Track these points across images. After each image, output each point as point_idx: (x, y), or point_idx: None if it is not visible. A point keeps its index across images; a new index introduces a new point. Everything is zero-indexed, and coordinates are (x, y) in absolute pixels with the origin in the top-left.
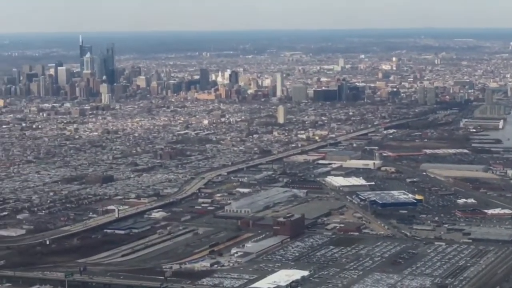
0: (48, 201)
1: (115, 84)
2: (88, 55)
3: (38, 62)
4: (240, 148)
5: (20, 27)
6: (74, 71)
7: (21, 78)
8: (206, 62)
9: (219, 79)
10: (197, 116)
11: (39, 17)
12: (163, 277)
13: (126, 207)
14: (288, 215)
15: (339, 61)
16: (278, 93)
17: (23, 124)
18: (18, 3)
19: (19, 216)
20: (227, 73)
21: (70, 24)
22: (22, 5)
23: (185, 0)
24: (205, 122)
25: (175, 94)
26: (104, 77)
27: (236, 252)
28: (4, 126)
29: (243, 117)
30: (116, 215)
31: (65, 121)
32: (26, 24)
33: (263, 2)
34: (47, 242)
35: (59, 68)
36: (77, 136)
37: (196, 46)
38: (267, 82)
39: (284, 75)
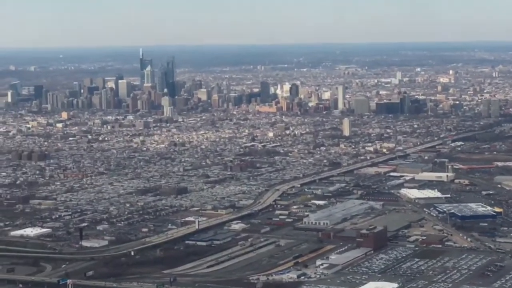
0: (126, 212)
1: (176, 97)
2: (148, 68)
3: (95, 76)
4: (309, 160)
5: (72, 42)
6: (133, 84)
7: (82, 91)
8: (262, 75)
9: (279, 91)
10: (261, 129)
11: (91, 32)
12: None
13: (205, 218)
14: (370, 227)
15: (396, 74)
16: (340, 105)
17: (89, 137)
18: (70, 19)
19: (99, 227)
20: (286, 86)
21: (123, 38)
22: (73, 20)
23: (237, 14)
24: (270, 134)
25: (236, 106)
26: (165, 90)
27: (322, 264)
28: (70, 139)
29: (307, 130)
30: (197, 227)
31: (130, 134)
32: (78, 39)
33: (314, 16)
34: (132, 253)
35: (119, 81)
36: (144, 148)
37: (250, 60)
38: (326, 95)
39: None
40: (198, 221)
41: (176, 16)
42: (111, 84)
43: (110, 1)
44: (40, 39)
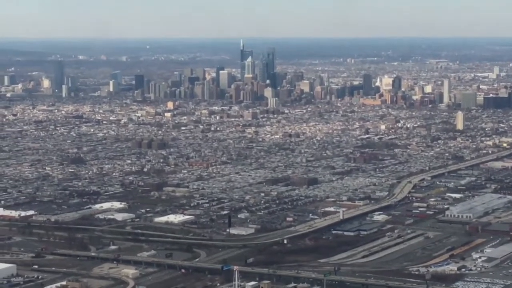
0: (262, 202)
1: (278, 88)
2: (249, 59)
3: (186, 66)
4: (430, 153)
5: (155, 32)
6: (234, 75)
7: (183, 81)
8: (354, 68)
9: (378, 84)
10: (371, 121)
11: (174, 23)
12: (423, 280)
13: (344, 209)
14: None
15: (493, 69)
16: (445, 99)
17: (201, 126)
18: (154, 9)
19: (240, 215)
20: (386, 79)
21: (207, 29)
22: (157, 11)
23: (322, 8)
24: (382, 127)
25: (340, 99)
26: (267, 81)
27: (479, 257)
28: (183, 128)
29: (418, 123)
30: (341, 217)
31: (240, 124)
32: (162, 29)
33: (396, 10)
34: (285, 242)
35: (220, 72)
36: (260, 139)
37: (338, 53)
38: (428, 88)
39: (439, 82)
40: (343, 211)
41: (251, 9)
42: (210, 75)
43: None
44: (126, 29)
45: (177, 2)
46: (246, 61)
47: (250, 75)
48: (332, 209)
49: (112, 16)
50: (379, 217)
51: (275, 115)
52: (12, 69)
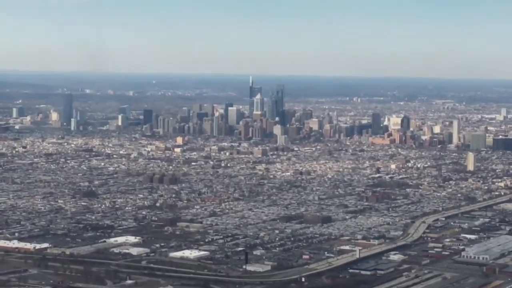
0: (277, 239)
1: (288, 125)
2: (258, 96)
3: (192, 102)
4: (443, 194)
5: (162, 68)
6: (242, 111)
7: (191, 116)
8: (361, 107)
9: (386, 123)
10: (381, 160)
11: (181, 59)
12: None
13: (359, 248)
14: None
15: (500, 111)
16: (455, 140)
17: (211, 162)
18: (160, 45)
19: (256, 252)
20: (394, 118)
21: (212, 66)
22: (164, 47)
23: (326, 47)
24: (393, 166)
25: (348, 137)
26: (277, 119)
27: None
28: (193, 163)
29: (428, 163)
30: (357, 256)
31: (251, 161)
32: (168, 65)
33: (403, 50)
34: (302, 279)
35: (229, 108)
36: (271, 176)
37: (344, 91)
38: (436, 128)
39: (447, 123)
40: (359, 250)
41: (260, 46)
42: (218, 111)
43: (202, 30)
44: (132, 64)
45: (183, 38)
46: (255, 98)
47: (259, 112)
48: (347, 247)
49: (117, 50)
50: (395, 256)
51: (285, 153)
52: (20, 101)
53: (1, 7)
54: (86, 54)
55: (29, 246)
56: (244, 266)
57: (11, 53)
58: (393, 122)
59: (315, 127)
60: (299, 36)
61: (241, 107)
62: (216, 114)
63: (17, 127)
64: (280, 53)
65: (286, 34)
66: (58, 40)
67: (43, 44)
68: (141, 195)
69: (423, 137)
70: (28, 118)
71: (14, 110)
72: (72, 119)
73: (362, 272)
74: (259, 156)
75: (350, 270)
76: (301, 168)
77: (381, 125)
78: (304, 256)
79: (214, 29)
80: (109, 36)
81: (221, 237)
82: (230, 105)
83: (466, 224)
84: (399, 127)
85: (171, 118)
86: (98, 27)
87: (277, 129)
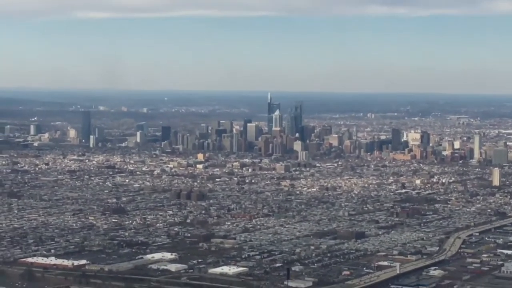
0: (313, 255)
1: (307, 141)
2: (277, 112)
3: (207, 119)
4: (472, 209)
5: (173, 85)
6: (261, 127)
7: (210, 133)
8: (376, 123)
9: (405, 139)
10: (404, 176)
11: (190, 76)
12: None
13: (398, 264)
14: None
15: None
16: (476, 155)
17: (235, 178)
18: (172, 62)
19: (294, 268)
20: (412, 134)
21: (222, 83)
22: (175, 63)
23: (336, 63)
24: (417, 182)
25: (369, 153)
26: (297, 135)
27: None
28: (217, 180)
29: (453, 179)
30: (398, 271)
31: (275, 177)
32: (178, 82)
33: (413, 65)
34: None
35: (248, 124)
36: (297, 192)
37: (357, 107)
38: (456, 144)
39: (465, 138)
40: (399, 266)
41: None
42: (235, 128)
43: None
44: (142, 81)
45: (193, 55)
46: (273, 114)
47: (278, 128)
48: (386, 263)
49: (128, 67)
50: (435, 272)
51: (307, 168)
52: (35, 118)
53: (12, 26)
54: (98, 71)
55: (67, 263)
56: (285, 282)
57: (22, 71)
58: (412, 137)
59: (335, 143)
60: (307, 54)
61: (257, 123)
62: (235, 130)
63: (35, 144)
64: (290, 70)
65: (294, 51)
66: (69, 58)
67: (54, 62)
68: (170, 212)
69: (444, 153)
70: (46, 135)
71: (32, 127)
72: (91, 136)
73: (404, 287)
74: (282, 172)
75: (392, 286)
76: (326, 184)
77: (401, 140)
78: (344, 272)
79: (222, 47)
80: (120, 54)
81: (257, 253)
82: (249, 121)
83: (501, 239)
84: (418, 142)
85: (189, 135)
86: (109, 45)
87: (297, 145)
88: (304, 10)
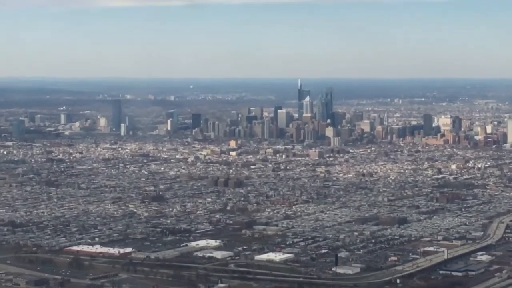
0: (358, 241)
1: (339, 127)
2: (307, 98)
3: (234, 106)
4: (511, 193)
5: (195, 73)
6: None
7: (240, 120)
8: (404, 108)
9: (435, 123)
10: (439, 161)
11: (214, 63)
12: None
13: (445, 249)
14: None
15: None
16: (510, 139)
17: (269, 165)
18: (199, 50)
19: (340, 254)
20: (442, 119)
21: (245, 70)
22: (202, 52)
23: (359, 49)
24: (453, 167)
25: (401, 138)
26: (328, 121)
27: None
28: (252, 167)
29: (488, 163)
30: (445, 257)
31: (309, 163)
32: (200, 70)
33: (437, 51)
34: (397, 281)
35: (278, 111)
36: (334, 178)
37: (383, 93)
38: (488, 128)
39: (495, 123)
40: (447, 251)
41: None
42: (267, 114)
43: (245, 34)
44: (166, 69)
45: (214, 42)
46: (304, 101)
47: (309, 115)
48: (431, 248)
49: (152, 56)
50: (483, 257)
51: (341, 155)
52: (64, 107)
53: (33, 16)
54: (123, 60)
55: (112, 251)
56: (333, 269)
57: (45, 61)
58: (442, 122)
59: (366, 128)
60: (331, 40)
61: (286, 110)
62: (265, 117)
63: (66, 133)
64: (313, 56)
65: (317, 38)
66: (92, 48)
67: (76, 52)
68: (209, 199)
69: (477, 137)
70: (77, 124)
71: (62, 116)
72: (122, 125)
73: (453, 273)
74: (316, 158)
75: (441, 272)
76: (361, 170)
77: (433, 125)
78: (392, 258)
79: (245, 34)
80: (143, 42)
81: (301, 239)
82: (279, 108)
83: None
84: (450, 127)
85: (219, 122)
86: (132, 33)
87: (329, 131)
88: None
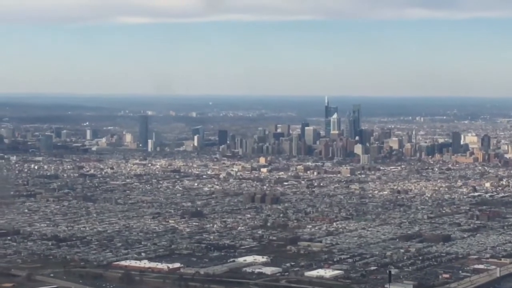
0: (405, 258)
1: (368, 144)
2: (335, 115)
3: (258, 123)
4: None
5: (214, 89)
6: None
7: (267, 136)
8: (427, 126)
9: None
10: (472, 179)
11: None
12: None
13: (497, 267)
14: None
15: None
16: None
17: (302, 182)
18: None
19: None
20: (469, 137)
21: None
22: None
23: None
24: (487, 184)
25: (429, 156)
26: (356, 138)
27: None
28: (285, 183)
29: None
30: (498, 274)
31: (342, 180)
32: (218, 87)
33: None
34: None
35: (306, 128)
36: (370, 195)
37: (405, 111)
38: None
39: None
40: (500, 269)
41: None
42: (293, 131)
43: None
44: (185, 86)
45: (231, 59)
46: (331, 118)
47: (337, 132)
48: (482, 266)
49: (170, 73)
50: None
51: (372, 172)
52: (87, 123)
53: (52, 32)
54: (142, 77)
55: (161, 266)
56: (386, 285)
57: (64, 77)
58: (470, 140)
59: (395, 146)
60: (349, 58)
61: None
62: (293, 134)
63: (94, 148)
64: (331, 74)
65: (334, 55)
66: (111, 64)
67: (95, 68)
68: (248, 215)
69: (506, 155)
70: (104, 139)
71: (88, 132)
72: (149, 141)
73: None
74: (348, 175)
75: None
76: (396, 187)
77: (461, 143)
78: (444, 275)
79: (259, 51)
80: (161, 59)
81: (348, 256)
82: (307, 125)
83: None
84: (477, 145)
85: (245, 139)
86: (149, 50)
87: (358, 148)
88: (343, 13)
